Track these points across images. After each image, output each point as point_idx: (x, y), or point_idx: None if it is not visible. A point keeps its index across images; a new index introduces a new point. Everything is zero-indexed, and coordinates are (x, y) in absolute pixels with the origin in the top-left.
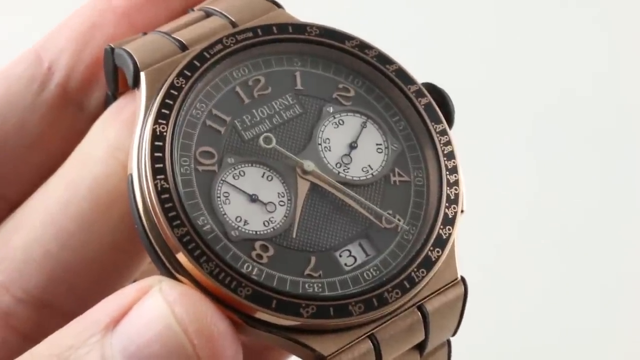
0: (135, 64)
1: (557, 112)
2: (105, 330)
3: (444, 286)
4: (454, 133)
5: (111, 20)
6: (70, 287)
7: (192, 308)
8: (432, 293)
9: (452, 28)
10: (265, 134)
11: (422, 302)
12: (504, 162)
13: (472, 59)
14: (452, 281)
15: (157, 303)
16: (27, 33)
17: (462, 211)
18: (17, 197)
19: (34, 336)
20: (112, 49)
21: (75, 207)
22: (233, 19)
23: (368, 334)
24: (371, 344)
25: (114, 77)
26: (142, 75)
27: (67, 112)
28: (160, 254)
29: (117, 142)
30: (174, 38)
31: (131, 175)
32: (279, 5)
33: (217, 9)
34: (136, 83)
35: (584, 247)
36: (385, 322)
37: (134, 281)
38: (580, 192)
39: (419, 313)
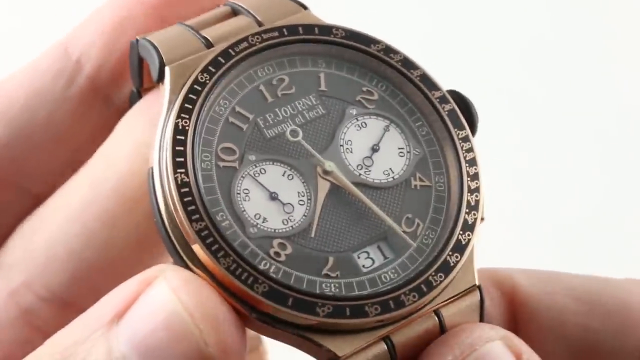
0: (160, 58)
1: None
2: (109, 324)
3: (461, 293)
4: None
5: (141, 14)
6: (94, 286)
7: (197, 294)
8: (450, 299)
9: (480, 35)
10: (292, 127)
11: (439, 307)
12: (523, 170)
13: (497, 66)
14: (469, 288)
15: (162, 291)
16: (49, 29)
17: (482, 219)
18: (42, 192)
19: None
20: (137, 41)
21: (99, 206)
22: (259, 18)
23: (383, 336)
24: (386, 346)
25: (139, 71)
26: (167, 70)
27: (95, 107)
28: (178, 249)
29: (143, 140)
30: (200, 35)
31: (152, 168)
32: (305, 7)
33: (244, 5)
34: (161, 77)
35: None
36: (401, 325)
37: None
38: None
39: (436, 318)
